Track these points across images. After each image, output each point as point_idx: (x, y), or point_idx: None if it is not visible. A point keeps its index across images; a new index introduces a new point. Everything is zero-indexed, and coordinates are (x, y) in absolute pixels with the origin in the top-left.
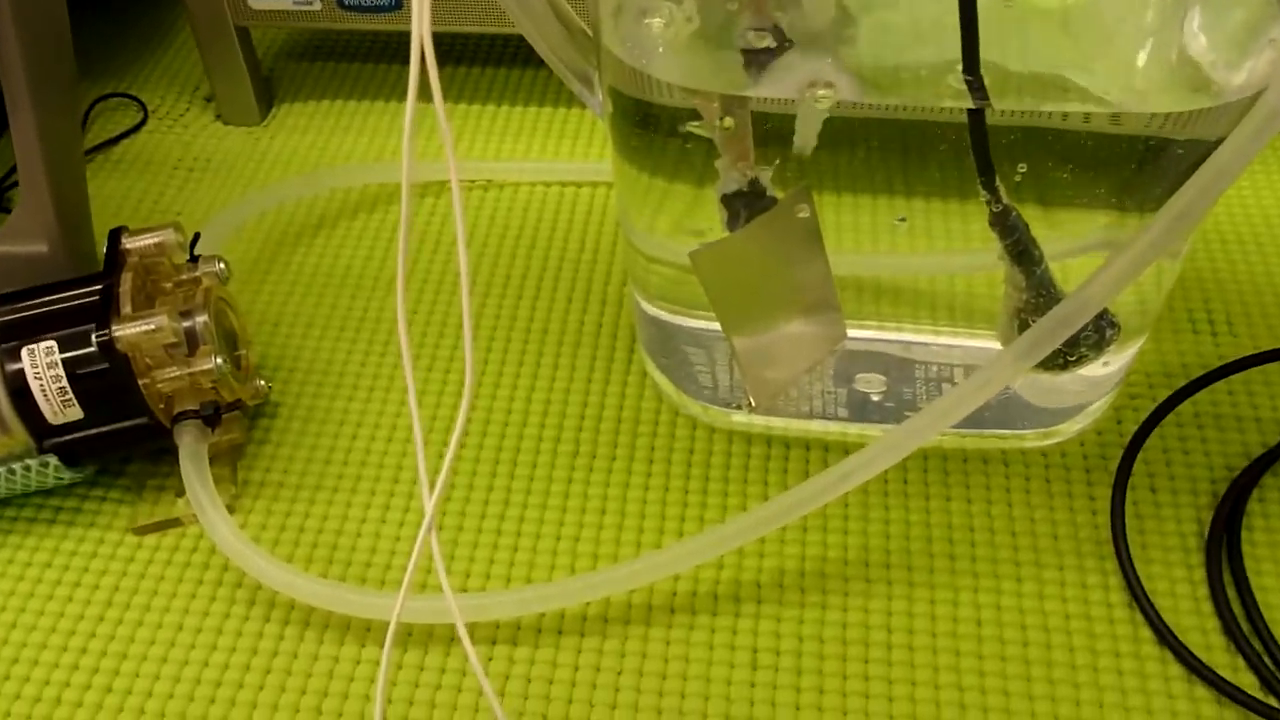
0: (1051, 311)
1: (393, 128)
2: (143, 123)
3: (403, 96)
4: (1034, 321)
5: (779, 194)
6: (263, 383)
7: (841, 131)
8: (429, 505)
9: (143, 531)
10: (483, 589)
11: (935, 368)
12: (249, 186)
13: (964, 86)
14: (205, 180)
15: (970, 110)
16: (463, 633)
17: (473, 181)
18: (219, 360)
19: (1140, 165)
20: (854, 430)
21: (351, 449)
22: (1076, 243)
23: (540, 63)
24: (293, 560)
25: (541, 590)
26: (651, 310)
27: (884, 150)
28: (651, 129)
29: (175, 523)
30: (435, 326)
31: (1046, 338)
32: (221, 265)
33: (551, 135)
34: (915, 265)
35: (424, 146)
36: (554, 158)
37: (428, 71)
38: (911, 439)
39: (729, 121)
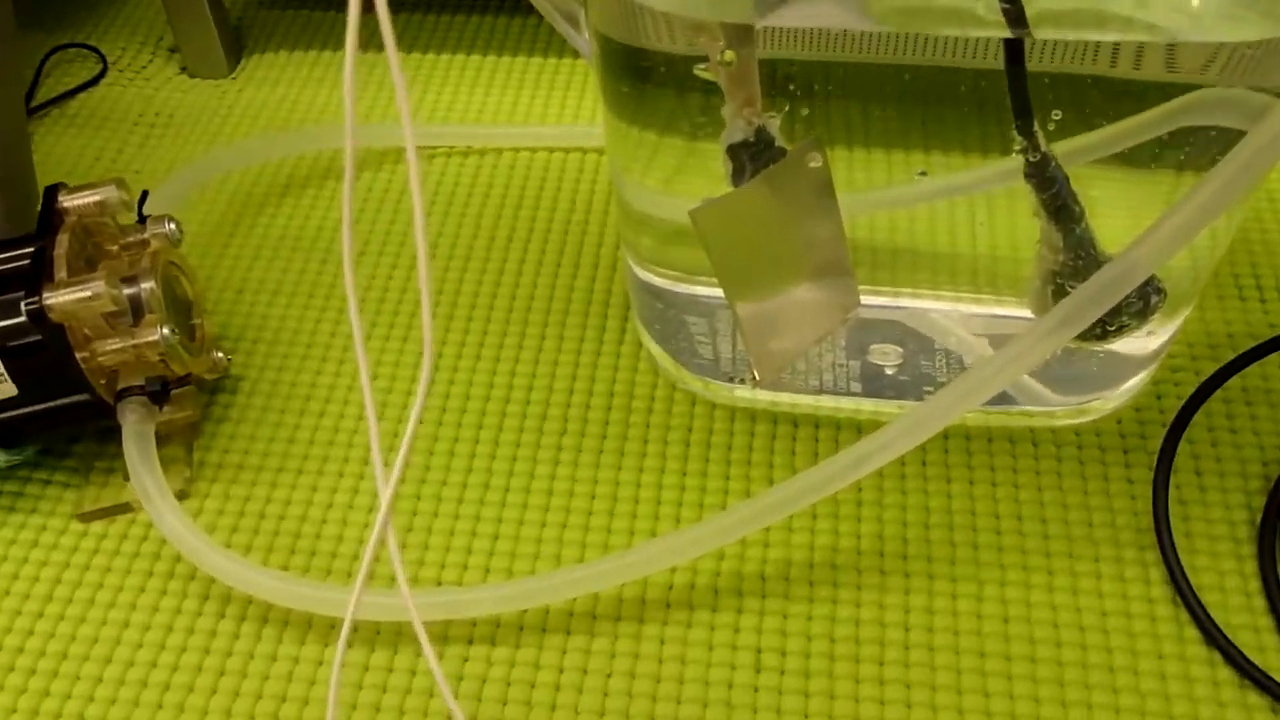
0: (1095, 276)
1: (370, 80)
2: (101, 75)
3: (380, 47)
4: (1071, 287)
5: (788, 146)
6: (221, 355)
7: (857, 79)
8: (385, 494)
9: (89, 518)
10: (459, 582)
11: (956, 338)
12: (214, 143)
13: (995, 15)
14: (168, 137)
15: (1006, 41)
16: (420, 632)
17: (451, 148)
18: (166, 330)
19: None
20: (867, 406)
21: (319, 427)
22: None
23: (524, 4)
24: (252, 549)
25: (522, 585)
26: (646, 276)
27: (903, 100)
28: (643, 77)
29: (125, 508)
30: (412, 295)
31: (1087, 305)
32: (172, 226)
33: (541, 87)
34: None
35: (415, 105)
36: (543, 112)
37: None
38: (934, 419)
39: (730, 55)
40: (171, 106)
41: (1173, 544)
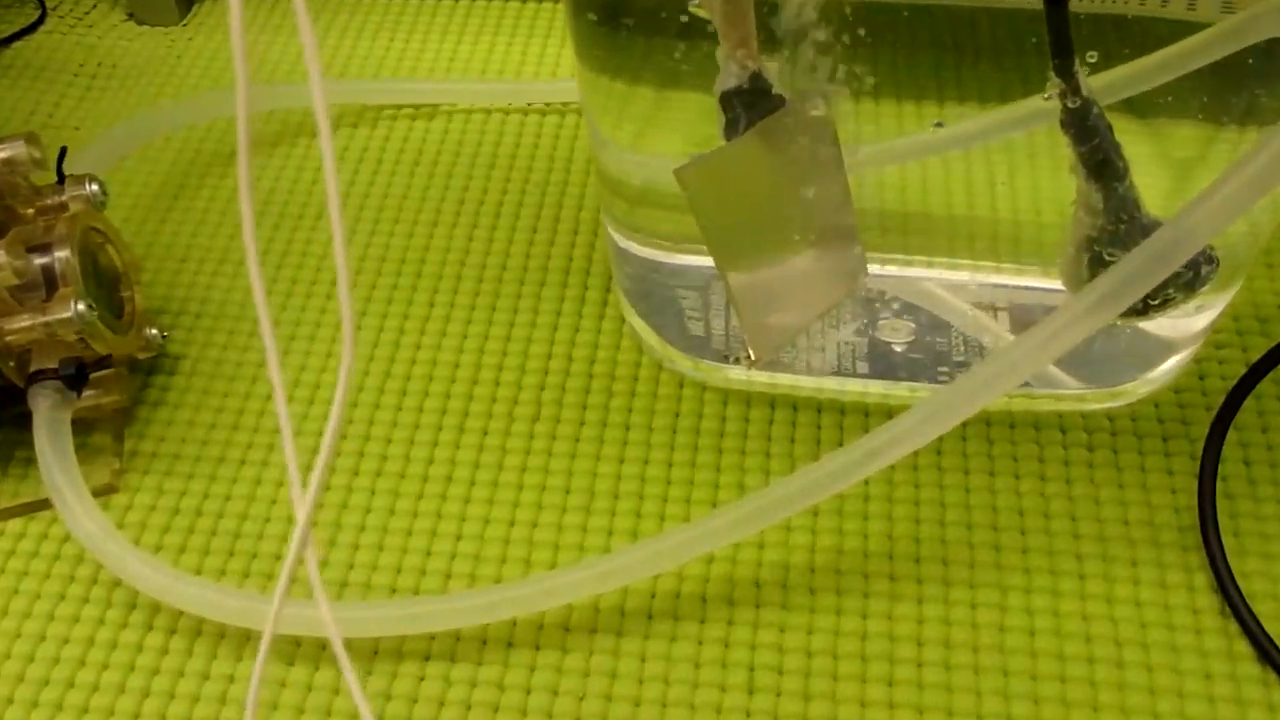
0: (1144, 243)
1: (331, 27)
2: (39, 21)
3: None
4: (1111, 256)
5: (789, 93)
6: (155, 332)
7: (865, 21)
8: (301, 510)
9: (3, 516)
10: (416, 590)
11: (968, 318)
12: (161, 96)
13: None
14: (110, 89)
15: None
16: (338, 648)
17: (417, 106)
18: (82, 306)
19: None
20: (875, 389)
21: (265, 411)
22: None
23: None
24: (186, 550)
25: (483, 596)
26: (627, 244)
27: (918, 43)
28: (615, 13)
29: (44, 504)
30: (371, 264)
31: (1134, 278)
32: (94, 187)
33: (519, 35)
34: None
35: (383, 53)
36: (519, 64)
37: None
38: (955, 409)
39: None
40: (115, 56)
41: (1220, 545)
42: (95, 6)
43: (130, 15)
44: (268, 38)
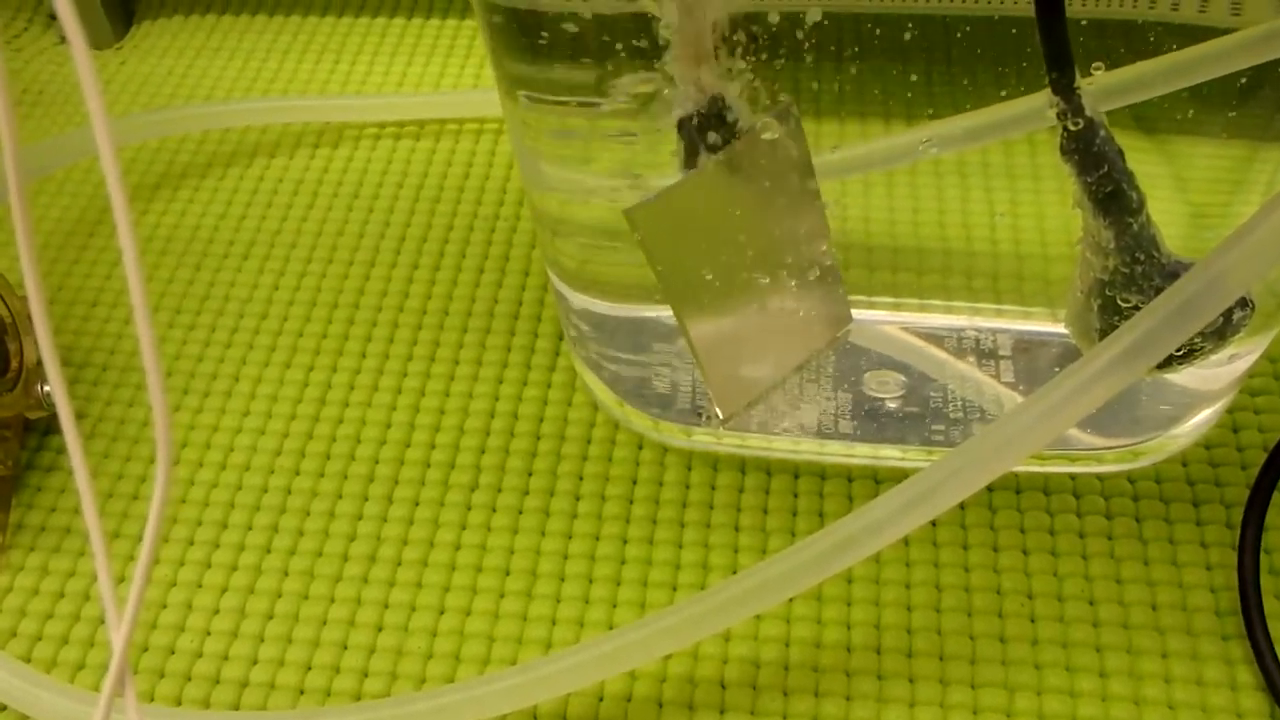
0: (1168, 293)
1: (273, 48)
2: None
3: (290, 10)
4: (1125, 300)
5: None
6: (49, 389)
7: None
8: (116, 637)
9: None
10: (326, 693)
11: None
12: (87, 123)
13: None
14: (34, 116)
15: None
16: None
17: (362, 126)
18: None
19: None
20: (861, 451)
21: (173, 479)
22: None
23: None
24: (68, 642)
25: (394, 708)
26: (571, 296)
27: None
28: (542, 52)
29: None
30: (300, 309)
31: (1160, 333)
32: None
33: (474, 54)
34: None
35: (329, 71)
36: (475, 79)
37: None
38: (956, 482)
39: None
40: (43, 81)
41: (1266, 632)
42: (27, 29)
43: (63, 39)
44: (205, 60)
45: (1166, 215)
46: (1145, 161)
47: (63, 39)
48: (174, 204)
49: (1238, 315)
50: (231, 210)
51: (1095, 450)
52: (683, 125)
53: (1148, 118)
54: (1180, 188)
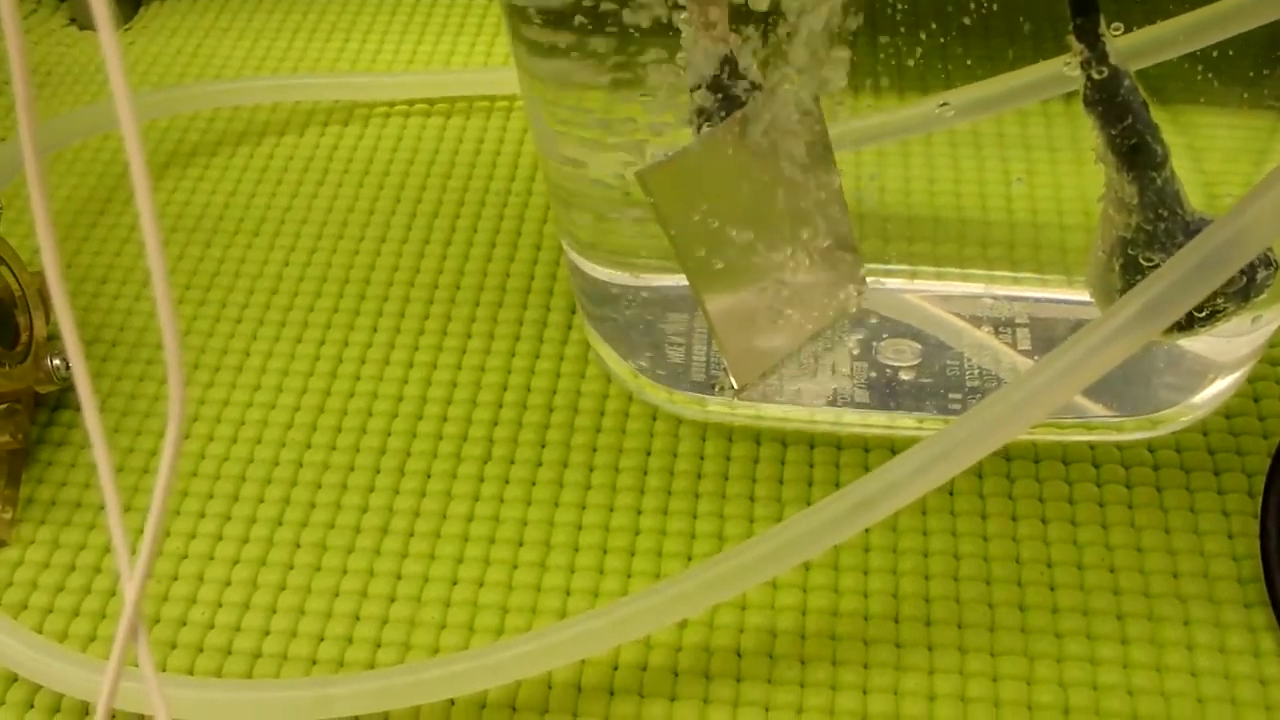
0: (1188, 247)
1: (283, 27)
2: None
3: None
4: (1148, 260)
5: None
6: (58, 362)
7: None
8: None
9: None
10: (339, 663)
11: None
12: (96, 102)
13: None
14: (45, 95)
15: None
16: None
17: (372, 104)
18: None
19: None
20: (877, 420)
21: (184, 453)
22: None
23: None
24: (79, 614)
25: (412, 674)
26: (586, 266)
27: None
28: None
29: None
30: (310, 284)
31: (1179, 288)
32: None
33: (485, 31)
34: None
35: (339, 49)
36: (486, 58)
37: None
38: (969, 446)
39: None
40: (51, 62)
41: None
42: (36, 10)
43: (73, 20)
44: (214, 40)
45: (1188, 174)
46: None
47: (72, 20)
48: (184, 181)
49: (1262, 275)
50: (241, 188)
51: (1116, 418)
52: (696, 89)
53: (1162, 90)
54: (1195, 158)
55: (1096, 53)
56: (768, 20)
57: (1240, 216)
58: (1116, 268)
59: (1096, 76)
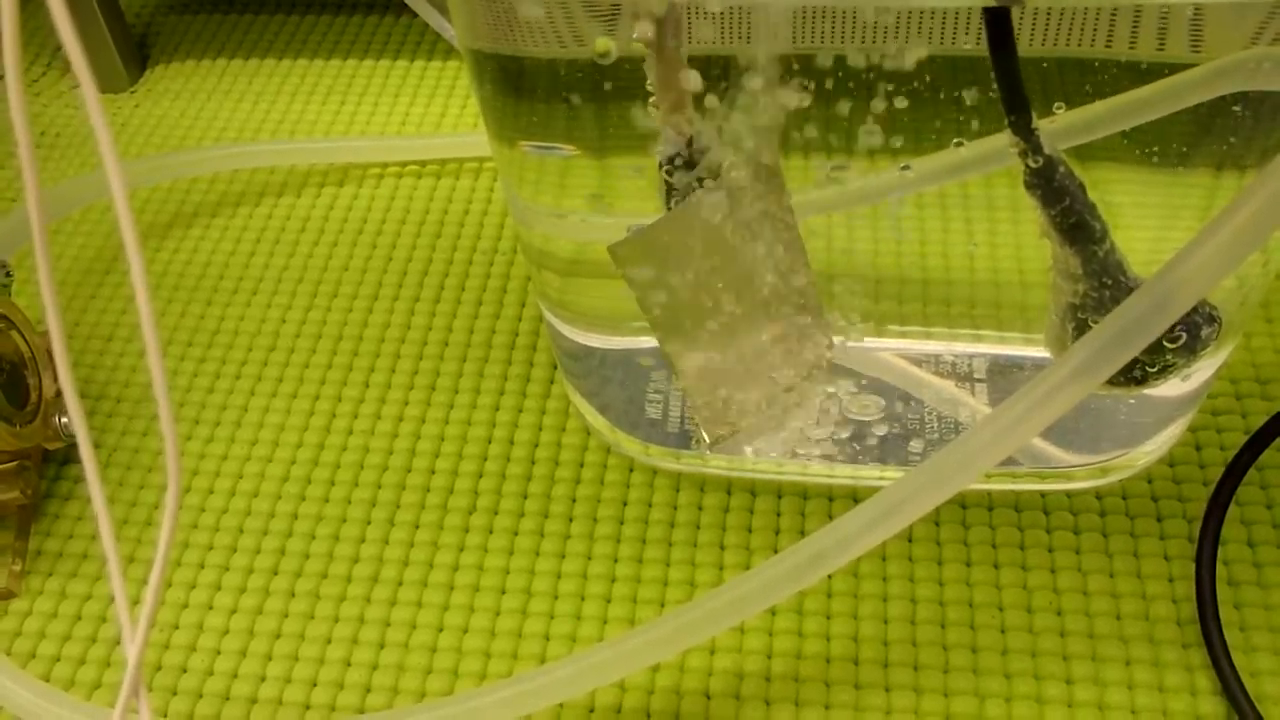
0: (1122, 307)
1: (282, 90)
2: None
3: (298, 54)
4: (1095, 323)
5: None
6: (66, 421)
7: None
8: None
9: None
10: (331, 709)
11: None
12: (104, 166)
13: None
14: (52, 159)
15: (988, 10)
16: None
17: (366, 166)
18: None
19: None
20: (842, 472)
21: (185, 505)
22: None
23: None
24: (84, 662)
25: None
26: (559, 325)
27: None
28: (524, 91)
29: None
30: (306, 341)
31: (1113, 345)
32: None
33: (456, 95)
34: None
35: (334, 112)
36: (475, 121)
37: None
38: (922, 494)
39: (604, 46)
40: (59, 125)
41: (1223, 640)
42: (45, 74)
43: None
44: (216, 102)
45: (1135, 241)
46: (1111, 192)
47: (78, 84)
48: (186, 242)
49: (1205, 331)
50: (241, 248)
51: (1065, 469)
52: (664, 165)
53: (1110, 149)
54: (1142, 214)
55: (1031, 144)
56: (726, 93)
57: (1165, 280)
58: (1069, 330)
59: (1033, 165)
